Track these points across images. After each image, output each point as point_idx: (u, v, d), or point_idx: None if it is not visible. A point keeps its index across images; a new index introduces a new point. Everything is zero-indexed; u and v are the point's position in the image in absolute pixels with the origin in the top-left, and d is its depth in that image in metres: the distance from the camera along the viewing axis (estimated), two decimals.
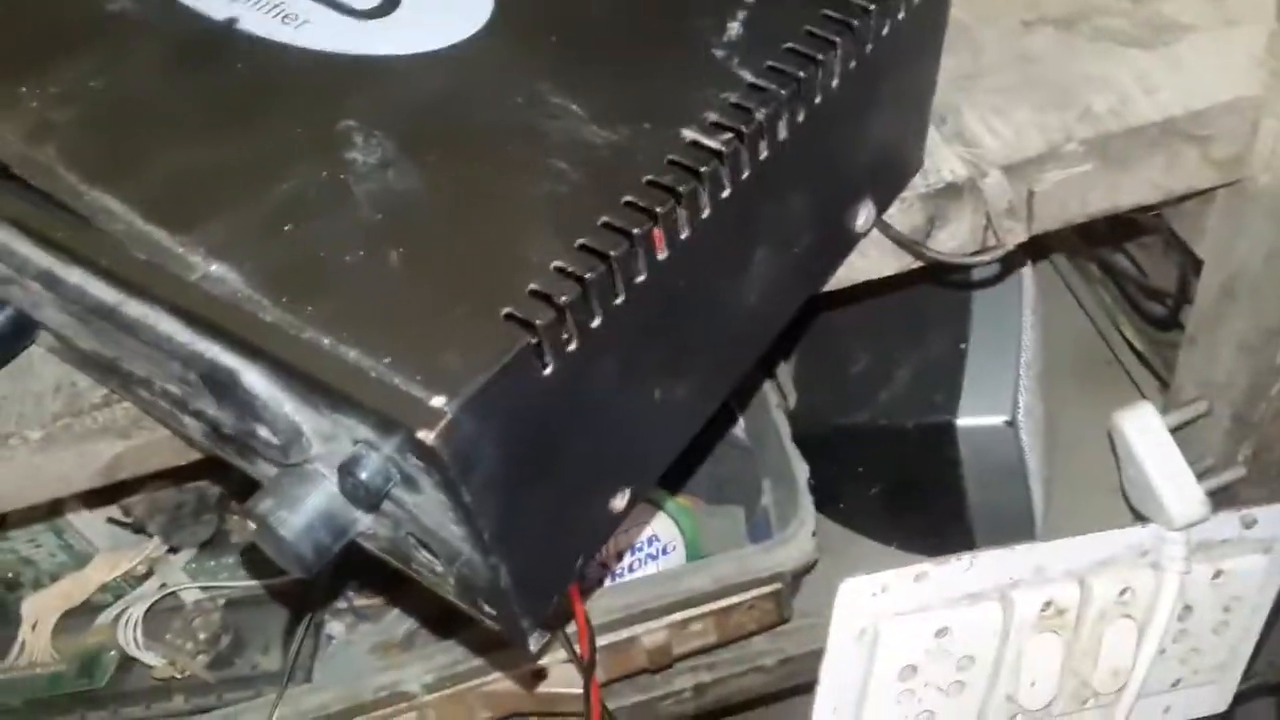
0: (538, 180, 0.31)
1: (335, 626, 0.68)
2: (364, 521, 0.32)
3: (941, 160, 0.45)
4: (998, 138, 0.45)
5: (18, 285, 0.35)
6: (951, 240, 0.46)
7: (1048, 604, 0.56)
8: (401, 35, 0.36)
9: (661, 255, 0.31)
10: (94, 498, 0.61)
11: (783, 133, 0.33)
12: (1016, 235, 0.44)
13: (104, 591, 0.65)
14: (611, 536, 0.37)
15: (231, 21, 0.37)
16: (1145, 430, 0.56)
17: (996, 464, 0.62)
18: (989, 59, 0.48)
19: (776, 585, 0.61)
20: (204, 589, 0.66)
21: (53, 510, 0.62)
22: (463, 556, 0.30)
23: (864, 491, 0.68)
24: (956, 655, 0.56)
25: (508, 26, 0.36)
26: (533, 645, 0.33)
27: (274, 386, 0.30)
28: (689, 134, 0.32)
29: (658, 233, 0.30)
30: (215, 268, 0.30)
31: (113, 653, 0.64)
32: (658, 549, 0.65)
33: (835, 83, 0.34)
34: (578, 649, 0.54)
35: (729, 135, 0.31)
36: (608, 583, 0.64)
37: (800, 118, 0.33)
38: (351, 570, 0.67)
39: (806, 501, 0.61)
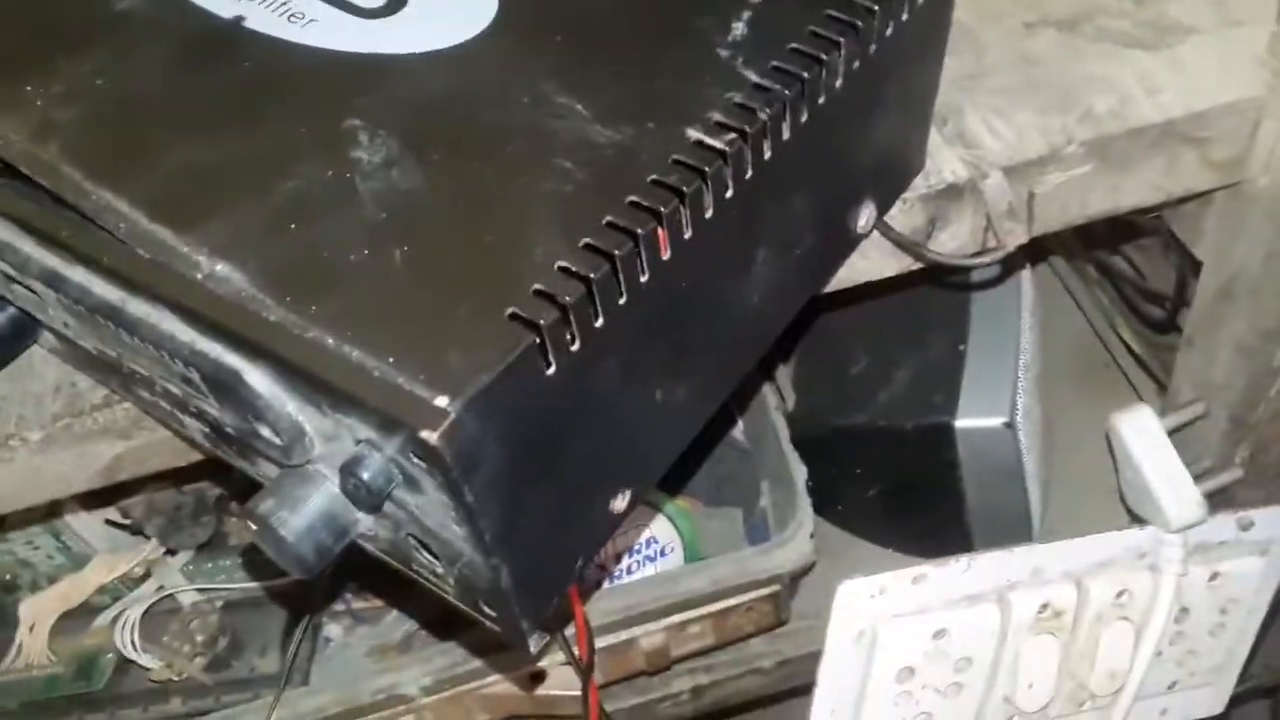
0: (542, 179, 0.31)
1: (333, 629, 0.68)
2: (365, 523, 0.32)
3: (942, 161, 0.45)
4: (999, 139, 0.45)
5: (20, 284, 0.35)
6: (952, 241, 0.46)
7: (1045, 606, 0.56)
8: (407, 34, 0.36)
9: (665, 255, 0.31)
10: (92, 499, 0.61)
11: (786, 133, 0.33)
12: (1017, 237, 0.44)
13: (101, 593, 0.65)
14: (611, 538, 0.37)
15: (238, 20, 0.37)
16: (1143, 432, 0.56)
17: (995, 466, 0.62)
18: (991, 60, 0.48)
19: (774, 587, 0.61)
20: (202, 591, 0.65)
21: (51, 512, 0.61)
22: (464, 558, 0.30)
23: (862, 493, 0.68)
24: (954, 657, 0.56)
25: (513, 26, 0.36)
26: (532, 647, 0.33)
27: (277, 386, 0.30)
28: (693, 133, 0.32)
29: (661, 233, 0.30)
30: (220, 267, 0.30)
31: (110, 655, 0.64)
32: (656, 551, 0.65)
33: (839, 83, 0.34)
34: (576, 651, 0.54)
35: (733, 135, 0.31)
36: (606, 585, 0.64)
37: (804, 118, 0.34)
38: (350, 573, 0.67)
39: (805, 503, 0.61)
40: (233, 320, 0.29)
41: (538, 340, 0.27)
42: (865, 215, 0.41)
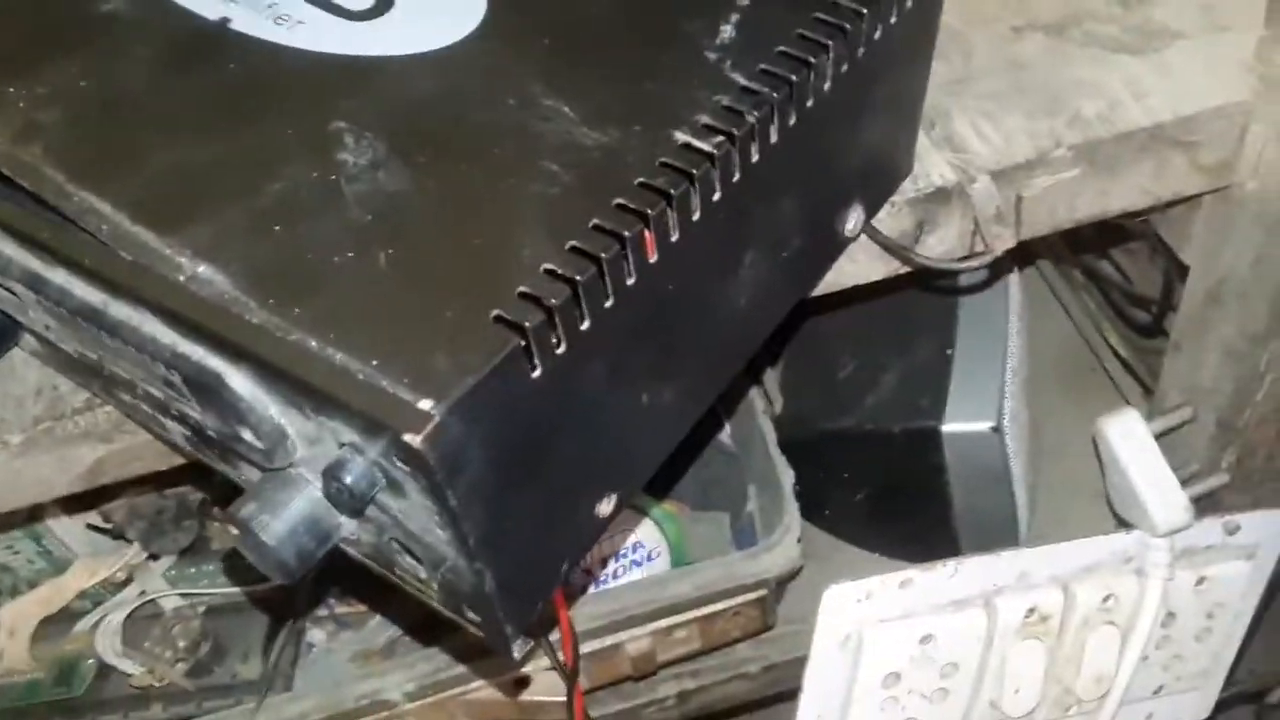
0: (529, 182, 0.31)
1: (316, 634, 0.67)
2: (348, 527, 0.31)
3: (931, 165, 0.45)
4: (987, 143, 0.45)
5: (1, 286, 0.35)
6: (940, 245, 0.46)
7: (1031, 610, 0.56)
8: (394, 37, 0.35)
9: (652, 258, 0.30)
10: (73, 503, 0.60)
11: (774, 136, 0.33)
12: (1005, 241, 0.44)
13: (83, 598, 0.65)
14: (597, 542, 0.37)
15: (224, 22, 0.36)
16: (1129, 436, 0.56)
17: (982, 469, 0.62)
18: (979, 64, 0.48)
19: (761, 592, 0.61)
20: (184, 596, 0.65)
21: (31, 516, 0.61)
22: (447, 562, 0.30)
23: (849, 497, 0.68)
24: (940, 662, 0.56)
25: (500, 29, 0.36)
26: (516, 652, 0.33)
27: (259, 389, 0.29)
28: (680, 136, 0.31)
29: (648, 235, 0.30)
30: (202, 269, 0.30)
31: (91, 661, 0.63)
32: (642, 555, 0.65)
33: (827, 86, 0.34)
34: (561, 656, 0.54)
35: (720, 138, 0.31)
36: (591, 589, 0.63)
37: (792, 121, 0.33)
38: (333, 578, 0.67)
39: (792, 507, 0.61)
40: (215, 322, 0.29)
41: (523, 343, 0.27)
42: (853, 219, 0.41)
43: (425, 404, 0.26)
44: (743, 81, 0.33)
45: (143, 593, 0.64)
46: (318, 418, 0.28)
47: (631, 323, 0.31)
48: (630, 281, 0.30)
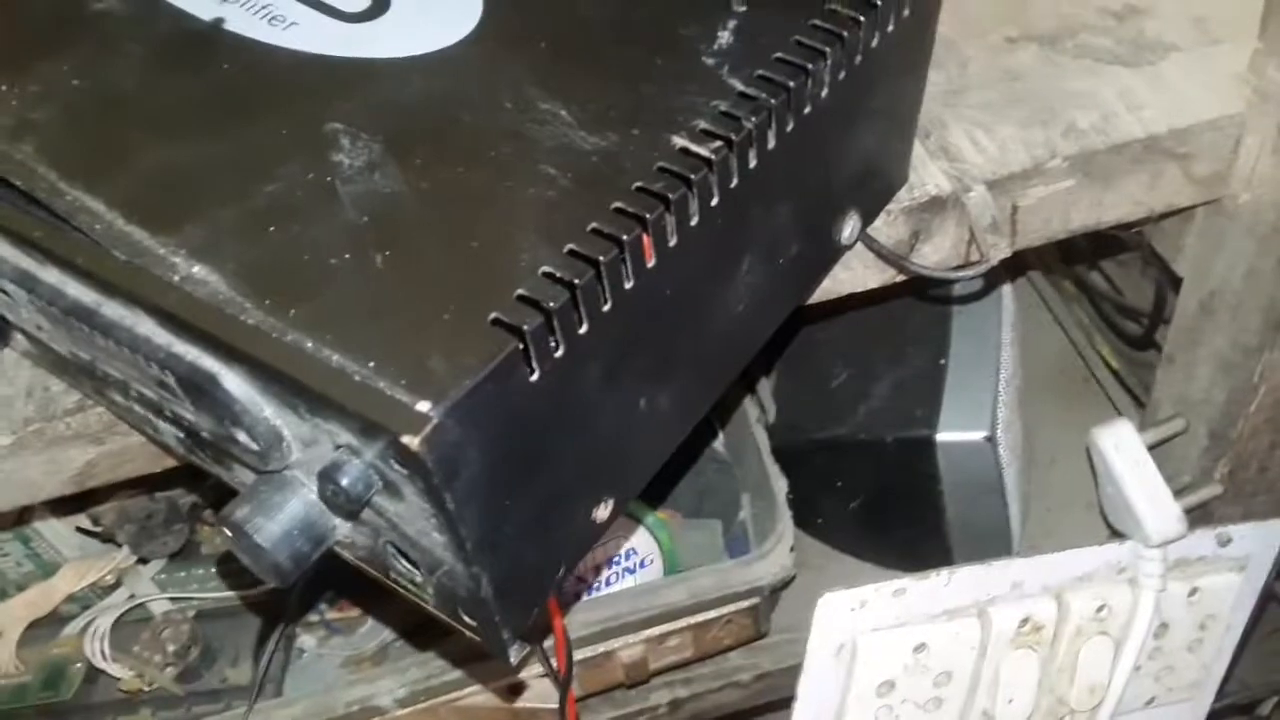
0: (526, 185, 0.31)
1: (306, 640, 0.67)
2: (343, 530, 0.31)
3: (926, 174, 0.45)
4: (982, 153, 0.45)
5: None
6: (935, 254, 0.46)
7: (1025, 620, 0.56)
8: (390, 39, 0.35)
9: (650, 262, 0.30)
10: (63, 506, 0.60)
11: (772, 141, 0.33)
12: (1000, 250, 0.44)
13: (71, 602, 0.64)
14: (593, 548, 0.37)
15: (219, 22, 0.36)
16: (1123, 447, 0.56)
17: (975, 479, 0.62)
18: (974, 74, 0.48)
19: (754, 600, 0.61)
20: (174, 600, 0.64)
21: (20, 518, 0.60)
22: (444, 566, 0.30)
23: (842, 506, 0.68)
24: (934, 671, 0.56)
25: (496, 32, 0.36)
26: (513, 657, 0.33)
27: (254, 390, 0.29)
28: (679, 141, 0.31)
29: (646, 239, 0.30)
30: (197, 269, 0.30)
31: (79, 664, 0.63)
32: (635, 562, 0.64)
33: (824, 93, 0.34)
34: (554, 663, 0.54)
35: (719, 143, 0.31)
36: (585, 596, 0.63)
37: (789, 127, 0.33)
38: (325, 583, 0.66)
39: (785, 516, 0.61)
40: (210, 323, 0.28)
41: (521, 346, 0.27)
42: (849, 226, 0.41)
43: (423, 406, 0.25)
44: (740, 87, 0.33)
45: (131, 596, 0.64)
46: (313, 419, 0.28)
47: (629, 327, 0.31)
48: (628, 285, 0.30)
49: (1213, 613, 0.60)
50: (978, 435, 0.60)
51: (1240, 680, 0.71)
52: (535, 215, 0.30)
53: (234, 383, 0.29)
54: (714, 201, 0.32)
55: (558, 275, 0.28)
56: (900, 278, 0.46)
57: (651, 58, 0.34)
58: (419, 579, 0.32)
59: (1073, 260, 0.79)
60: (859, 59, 0.35)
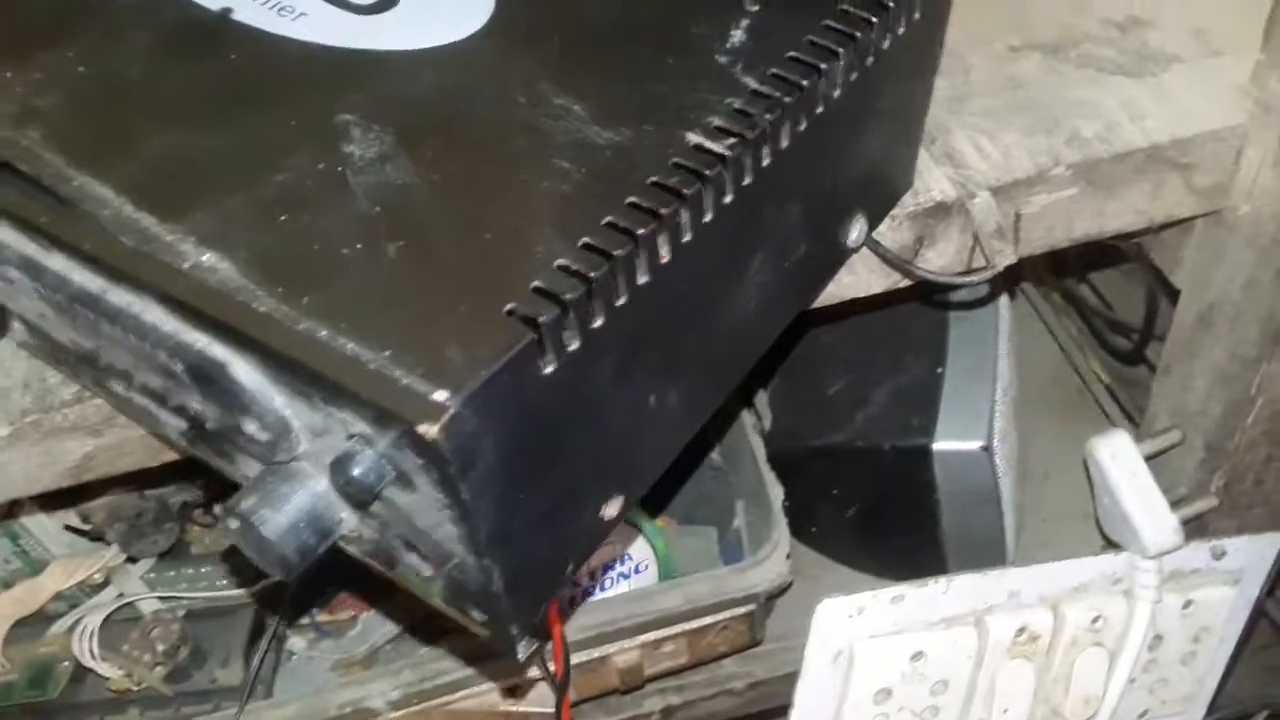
0: (540, 179, 0.31)
1: (297, 642, 0.66)
2: (349, 523, 0.31)
3: (931, 180, 0.45)
4: (986, 159, 0.45)
5: None
6: (939, 260, 0.46)
7: (1021, 630, 0.56)
8: (400, 31, 0.35)
9: (664, 258, 0.30)
10: (53, 502, 0.59)
11: (785, 140, 0.33)
12: (1006, 256, 0.44)
13: (58, 600, 0.64)
14: (600, 545, 0.36)
15: (226, 11, 0.36)
16: (1120, 457, 0.57)
17: (971, 489, 0.62)
18: (978, 82, 0.49)
19: (750, 607, 0.60)
20: (163, 599, 0.64)
21: (9, 513, 0.60)
22: (454, 559, 0.30)
23: (837, 515, 0.68)
24: (931, 680, 0.56)
25: (508, 27, 0.36)
26: (521, 653, 0.33)
27: (264, 379, 0.29)
28: (693, 137, 0.31)
29: (661, 235, 0.30)
30: (206, 256, 0.29)
31: (66, 663, 0.62)
32: (630, 568, 0.64)
33: (836, 93, 0.34)
34: (551, 666, 0.53)
35: (733, 140, 0.31)
36: (579, 602, 0.63)
37: (802, 126, 0.33)
38: (318, 586, 0.66)
39: (781, 523, 0.61)
40: (220, 310, 0.28)
41: (536, 338, 0.27)
42: (856, 229, 0.41)
43: (440, 395, 0.25)
44: (754, 85, 0.33)
45: (120, 595, 0.63)
46: (326, 408, 0.27)
47: (641, 323, 0.31)
48: (642, 280, 0.30)
49: (1207, 625, 0.60)
50: (974, 445, 0.60)
51: (1231, 695, 0.71)
52: (549, 209, 0.30)
53: (244, 371, 0.29)
54: (727, 198, 0.32)
55: (573, 268, 0.28)
56: (904, 283, 0.46)
57: (664, 55, 0.34)
58: (427, 573, 0.31)
59: (1065, 274, 0.79)
60: (870, 60, 0.35)
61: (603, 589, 0.64)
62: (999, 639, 0.55)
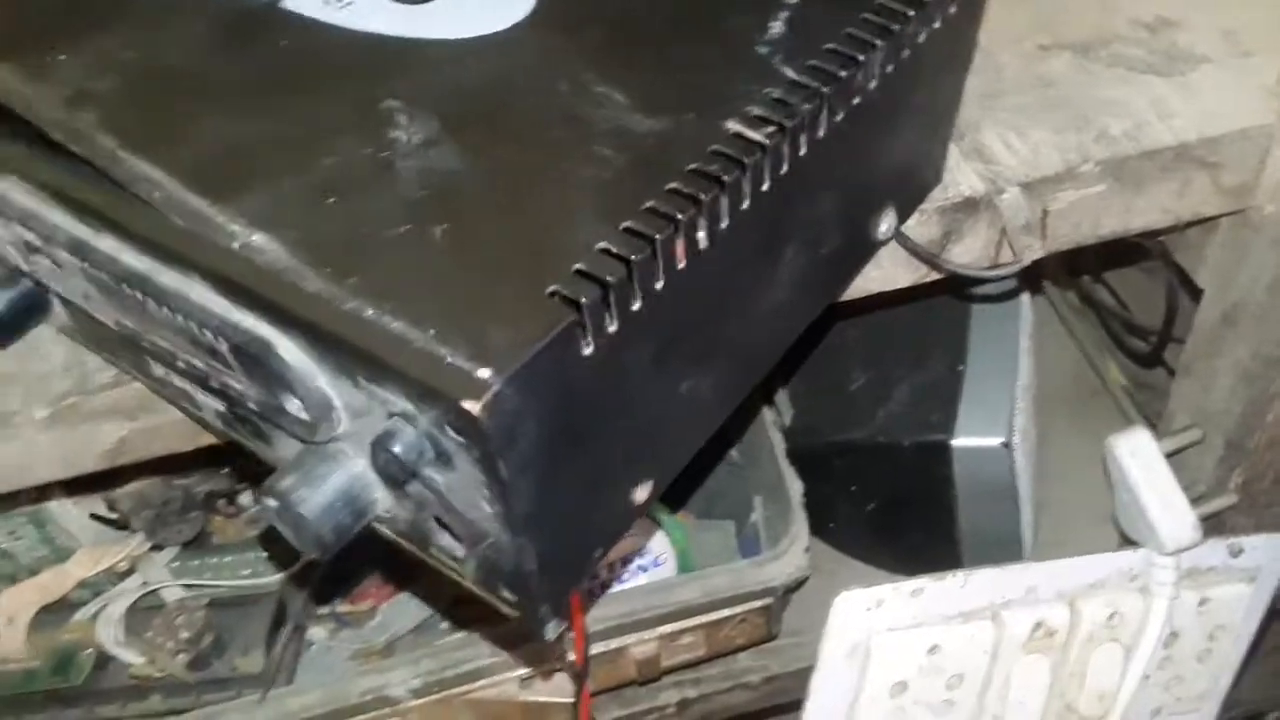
0: (581, 164, 0.31)
1: (317, 632, 0.67)
2: (384, 503, 0.31)
3: (960, 175, 0.45)
4: (1015, 155, 0.46)
5: (43, 254, 0.35)
6: (965, 255, 0.46)
7: (1038, 625, 0.56)
8: (445, 20, 0.36)
9: (702, 244, 0.31)
10: (81, 488, 0.60)
11: (822, 130, 0.33)
12: (1034, 251, 0.44)
13: (83, 588, 0.64)
14: (628, 530, 0.37)
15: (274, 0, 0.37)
16: (1139, 454, 0.57)
17: (990, 485, 0.62)
18: (1008, 80, 0.49)
19: (767, 600, 0.61)
20: (187, 588, 0.64)
21: (39, 497, 0.60)
22: (489, 539, 0.30)
23: (855, 510, 0.68)
24: (947, 673, 0.56)
25: (550, 17, 0.36)
26: (549, 634, 0.33)
27: (309, 359, 0.29)
28: (732, 126, 0.32)
29: (700, 221, 0.30)
30: (256, 237, 0.30)
31: (89, 650, 0.62)
32: (649, 561, 0.64)
33: (873, 85, 0.35)
34: (571, 656, 0.54)
35: (772, 128, 0.32)
36: (597, 593, 0.63)
37: (839, 117, 0.34)
38: (341, 577, 0.66)
39: (800, 517, 0.61)
40: (269, 290, 0.29)
41: (578, 319, 0.27)
42: (886, 222, 0.41)
43: (484, 373, 0.26)
44: (792, 75, 0.33)
45: (145, 583, 0.63)
46: (369, 386, 0.28)
47: (678, 308, 0.31)
48: (680, 265, 0.30)
49: (1222, 623, 0.60)
50: (994, 441, 0.61)
51: (1245, 695, 0.71)
52: (590, 194, 0.30)
53: (289, 350, 0.29)
54: (765, 186, 0.32)
55: (614, 251, 0.28)
56: (930, 277, 0.46)
57: (704, 45, 0.35)
58: (460, 554, 0.32)
59: (1084, 275, 0.79)
60: (906, 53, 0.36)
61: (621, 581, 0.64)
62: (1015, 634, 0.56)
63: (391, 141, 0.32)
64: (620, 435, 0.32)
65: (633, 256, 0.28)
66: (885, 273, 0.46)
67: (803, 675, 0.57)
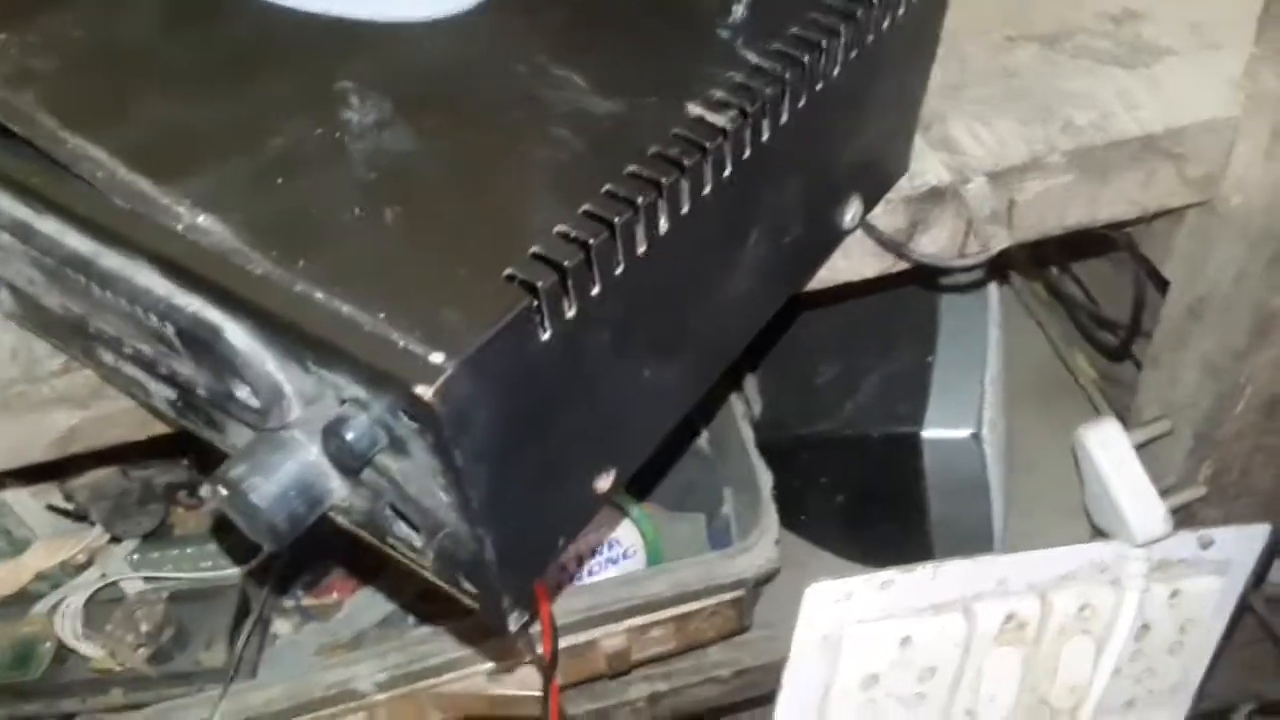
0: (539, 147, 0.31)
1: (281, 626, 0.66)
2: (339, 492, 0.31)
3: (926, 165, 0.45)
4: (981, 145, 0.46)
5: None
6: (932, 245, 0.46)
7: (1009, 617, 0.56)
8: (402, 2, 0.35)
9: (662, 229, 0.30)
10: (37, 478, 0.59)
11: (784, 115, 0.33)
12: (1000, 240, 0.44)
13: (41, 580, 0.63)
14: (590, 522, 0.36)
15: None
16: (1109, 445, 0.57)
17: (960, 477, 0.62)
18: (974, 70, 0.49)
19: (738, 592, 0.60)
20: (147, 580, 0.63)
21: None
22: (446, 528, 0.30)
23: (826, 503, 0.68)
24: (918, 666, 0.56)
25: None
26: (512, 625, 0.32)
27: (257, 343, 0.29)
28: (694, 109, 0.31)
29: (660, 205, 0.30)
30: (202, 219, 0.29)
31: (48, 644, 0.61)
32: (618, 553, 0.64)
33: (836, 71, 0.34)
34: (540, 649, 0.53)
35: (734, 112, 0.31)
36: (567, 586, 0.63)
37: (801, 102, 0.33)
38: (302, 565, 0.66)
39: (770, 509, 0.61)
40: (215, 273, 0.28)
41: (535, 303, 0.27)
42: (852, 211, 0.41)
43: (436, 357, 0.25)
44: (755, 59, 0.33)
45: (104, 575, 0.62)
46: (320, 371, 0.27)
47: (638, 292, 0.31)
48: (640, 250, 0.30)
49: (1193, 616, 0.60)
50: (964, 432, 0.60)
51: (1216, 689, 0.71)
52: (548, 177, 0.30)
53: (237, 335, 0.29)
54: (726, 172, 0.32)
55: (572, 235, 0.28)
56: (897, 267, 0.46)
57: (666, 28, 0.34)
58: (418, 544, 0.31)
59: (1052, 268, 0.79)
60: (870, 39, 0.35)
61: (591, 574, 0.63)
62: (987, 626, 0.55)
63: (343, 123, 0.31)
64: (580, 423, 0.31)
65: (591, 240, 0.28)
66: (853, 262, 0.45)
67: (775, 668, 0.57)
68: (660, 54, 0.34)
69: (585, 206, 0.28)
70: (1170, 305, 0.56)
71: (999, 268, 0.75)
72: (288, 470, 0.29)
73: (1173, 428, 0.59)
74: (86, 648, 0.60)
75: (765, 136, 0.33)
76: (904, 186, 0.44)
